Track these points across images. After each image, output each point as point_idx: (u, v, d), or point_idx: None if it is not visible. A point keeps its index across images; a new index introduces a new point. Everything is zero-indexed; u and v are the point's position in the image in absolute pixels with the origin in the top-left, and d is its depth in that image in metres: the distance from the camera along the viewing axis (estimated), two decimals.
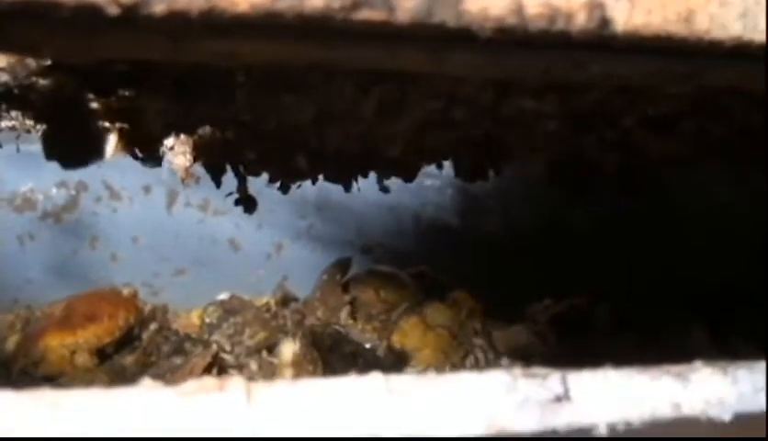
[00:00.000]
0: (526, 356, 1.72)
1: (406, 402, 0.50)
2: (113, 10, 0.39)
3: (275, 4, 0.43)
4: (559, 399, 0.52)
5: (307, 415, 0.48)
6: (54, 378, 1.48)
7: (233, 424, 0.47)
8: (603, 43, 0.47)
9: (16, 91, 0.63)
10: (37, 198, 1.86)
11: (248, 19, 0.42)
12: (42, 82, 0.61)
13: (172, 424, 0.47)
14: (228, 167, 1.08)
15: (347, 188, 1.18)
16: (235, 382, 0.48)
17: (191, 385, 0.47)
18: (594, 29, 0.48)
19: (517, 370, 0.53)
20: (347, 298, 1.77)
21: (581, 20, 0.47)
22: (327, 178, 1.15)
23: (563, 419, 0.52)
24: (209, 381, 0.48)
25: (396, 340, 1.65)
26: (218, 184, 1.14)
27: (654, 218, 2.09)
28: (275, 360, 1.44)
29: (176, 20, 0.41)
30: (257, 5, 0.43)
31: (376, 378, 0.51)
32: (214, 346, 1.52)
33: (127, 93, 0.65)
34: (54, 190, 1.87)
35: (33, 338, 1.56)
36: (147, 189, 1.91)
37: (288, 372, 1.33)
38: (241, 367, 1.48)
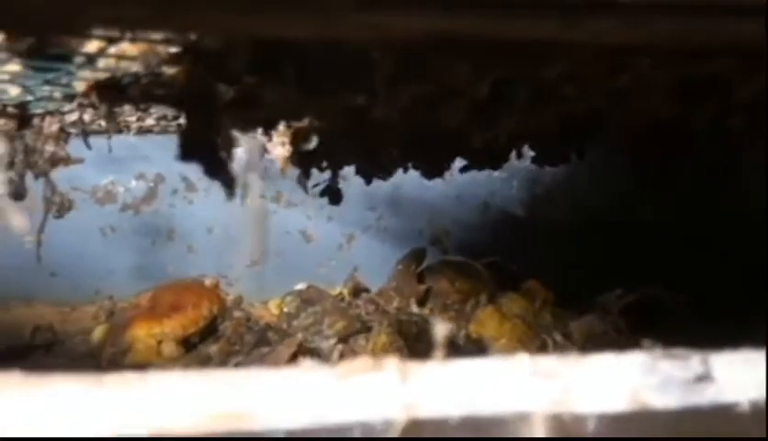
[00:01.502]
0: (602, 346, 1.71)
1: (551, 382, 0.51)
2: None
3: None
4: (700, 378, 0.53)
5: (458, 394, 0.50)
6: (142, 367, 1.51)
7: (389, 402, 0.49)
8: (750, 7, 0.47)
9: (144, 80, 0.65)
10: (117, 191, 1.90)
11: None
12: (169, 71, 0.63)
13: (331, 403, 0.48)
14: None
15: (434, 176, 1.19)
16: (390, 362, 0.49)
17: (347, 366, 0.48)
18: None
19: (657, 352, 0.54)
20: (422, 288, 1.78)
21: None
22: (416, 167, 1.16)
23: (706, 398, 0.52)
24: (365, 362, 0.49)
25: (473, 329, 1.66)
26: (307, 175, 1.15)
27: (725, 205, 2.07)
28: (359, 346, 1.46)
29: None
30: None
31: (522, 359, 0.52)
32: (299, 336, 1.54)
33: (251, 81, 0.66)
34: (134, 183, 1.91)
35: (120, 328, 1.59)
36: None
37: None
38: (324, 356, 1.50)
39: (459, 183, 1.94)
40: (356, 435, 0.49)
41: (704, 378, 0.54)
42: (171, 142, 1.71)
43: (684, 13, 0.50)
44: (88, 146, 1.14)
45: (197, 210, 1.95)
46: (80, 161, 1.02)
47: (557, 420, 0.52)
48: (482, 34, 0.50)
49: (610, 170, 2.03)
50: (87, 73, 0.67)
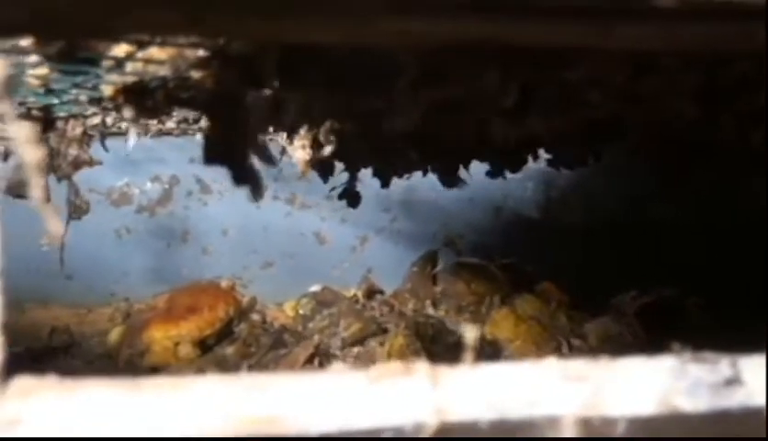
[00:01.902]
0: (618, 348, 1.71)
1: (581, 386, 0.51)
2: None
3: None
4: (729, 382, 0.53)
5: (488, 398, 0.50)
6: (159, 369, 1.51)
7: (420, 406, 0.49)
8: None
9: (171, 85, 0.65)
10: (133, 193, 1.91)
11: None
12: (196, 75, 0.63)
13: (362, 407, 0.48)
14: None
15: (452, 183, 1.19)
16: (421, 366, 0.50)
17: (379, 370, 0.49)
18: None
19: (687, 355, 0.54)
20: (437, 289, 1.78)
21: None
22: (435, 170, 1.16)
23: (735, 401, 0.52)
24: (396, 366, 0.49)
25: (488, 331, 1.66)
26: (325, 179, 1.15)
27: (739, 208, 2.06)
28: (376, 348, 1.47)
29: (366, 1, 0.42)
30: None
31: (551, 362, 0.52)
32: (315, 338, 1.54)
33: (277, 85, 0.66)
34: (149, 185, 1.92)
35: (137, 330, 1.59)
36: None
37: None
38: (340, 358, 1.50)
39: (473, 185, 1.94)
40: (388, 438, 0.49)
41: (733, 381, 0.54)
42: (186, 144, 1.73)
43: (715, 18, 0.50)
44: (105, 148, 1.15)
45: (211, 212, 1.95)
46: (99, 163, 1.03)
47: (586, 423, 0.52)
48: (512, 40, 0.50)
49: (624, 172, 2.02)
50: (115, 77, 0.67)
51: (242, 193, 2.08)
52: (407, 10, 0.47)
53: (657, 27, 0.51)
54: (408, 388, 0.50)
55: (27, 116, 0.83)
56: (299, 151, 0.85)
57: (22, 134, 0.41)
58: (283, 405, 0.48)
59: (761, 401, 0.54)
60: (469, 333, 0.50)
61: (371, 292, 1.91)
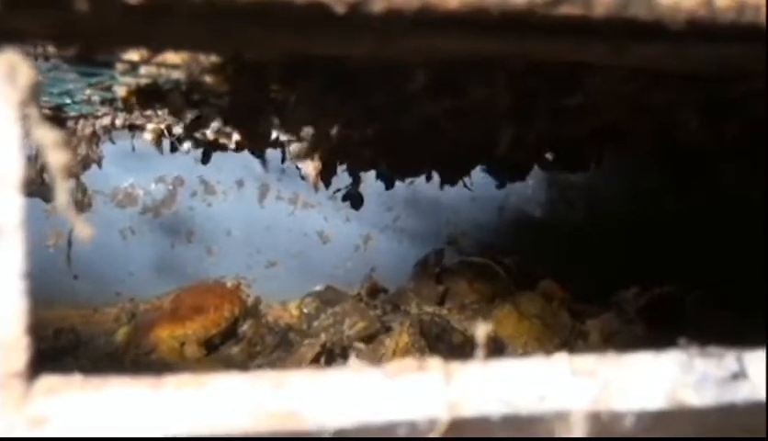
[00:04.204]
0: (620, 345, 1.72)
1: (589, 381, 0.52)
2: (340, 9, 0.42)
3: (483, 0, 0.45)
4: (735, 376, 0.54)
5: (499, 393, 0.51)
6: (165, 368, 1.52)
7: (434, 402, 0.50)
8: None
9: (184, 88, 0.66)
10: (137, 194, 1.92)
11: (457, 16, 0.44)
12: (209, 79, 0.64)
13: (377, 402, 0.49)
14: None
15: (454, 183, 1.20)
16: (434, 362, 0.51)
17: (394, 366, 0.50)
18: None
19: (693, 350, 0.55)
20: (441, 288, 1.79)
21: None
22: (440, 173, 1.17)
23: (741, 395, 0.53)
24: (410, 362, 0.50)
25: (491, 329, 1.66)
26: (327, 184, 1.16)
27: (739, 208, 2.07)
28: (381, 346, 1.48)
29: (392, 17, 0.43)
30: (467, 2, 0.45)
31: (561, 358, 0.53)
32: (322, 336, 1.55)
33: (288, 89, 0.67)
34: (153, 186, 1.93)
35: (143, 330, 1.61)
36: (240, 183, 1.96)
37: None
38: (345, 357, 1.51)
39: (476, 184, 1.95)
40: (402, 433, 0.51)
41: (738, 375, 0.56)
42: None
43: (722, 39, 0.51)
44: (112, 141, 1.15)
45: (215, 213, 1.96)
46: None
47: (596, 418, 0.53)
48: (532, 57, 0.51)
49: (627, 170, 2.03)
50: (129, 79, 0.68)
51: (246, 193, 2.09)
52: (432, 28, 0.48)
53: (667, 47, 0.53)
54: (422, 384, 0.51)
55: None
56: (307, 163, 0.86)
57: (48, 139, 0.42)
58: (300, 401, 0.49)
59: (765, 395, 0.55)
60: (480, 331, 0.51)
61: (375, 291, 1.92)
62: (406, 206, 2.07)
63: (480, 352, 0.53)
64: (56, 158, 0.42)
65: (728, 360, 0.56)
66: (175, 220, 1.95)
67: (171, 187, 1.94)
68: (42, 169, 0.81)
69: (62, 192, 0.43)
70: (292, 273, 2.01)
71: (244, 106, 0.64)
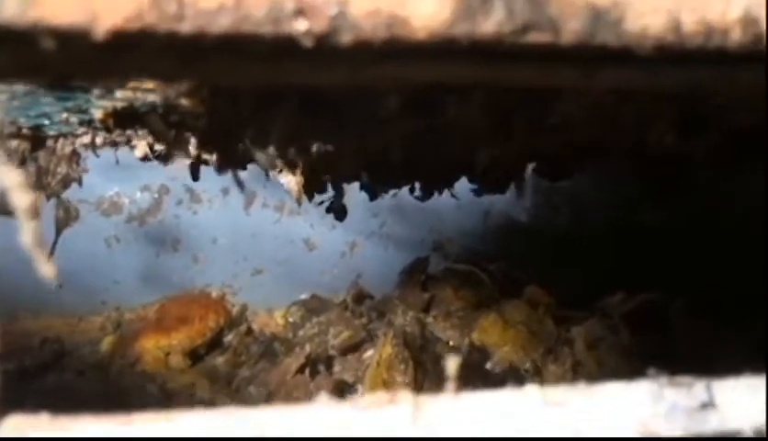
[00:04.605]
0: (604, 352, 1.73)
1: (561, 412, 0.53)
2: (308, 42, 0.42)
3: (450, 30, 0.45)
4: (704, 406, 0.54)
5: (469, 426, 0.51)
6: (151, 378, 1.53)
7: (404, 433, 0.50)
8: (755, 57, 0.48)
9: (160, 110, 0.66)
10: (123, 202, 1.92)
11: (425, 46, 0.44)
12: (185, 102, 0.64)
13: (350, 434, 0.49)
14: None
15: (440, 193, 1.21)
16: (404, 396, 0.51)
17: (364, 400, 0.50)
18: (749, 44, 0.49)
19: (663, 379, 0.55)
20: (426, 296, 1.79)
21: (736, 36, 0.49)
22: (423, 186, 1.18)
23: (710, 425, 0.54)
24: (381, 395, 0.51)
25: (476, 337, 1.67)
26: (311, 197, 1.17)
27: (723, 212, 2.08)
28: (366, 356, 1.48)
29: (360, 49, 0.44)
30: (434, 33, 0.45)
31: (532, 390, 0.53)
32: (306, 347, 1.56)
33: (264, 112, 0.68)
34: (138, 194, 1.93)
35: (129, 340, 1.61)
36: (225, 191, 1.96)
37: (383, 373, 1.37)
38: (330, 367, 1.52)
39: (461, 190, 1.95)
40: None
41: (707, 405, 0.56)
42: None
43: (692, 63, 0.52)
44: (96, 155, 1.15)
45: (201, 221, 1.96)
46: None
47: None
48: (503, 83, 0.51)
49: (611, 176, 2.04)
50: (105, 102, 0.69)
51: (232, 201, 2.09)
52: (401, 57, 0.48)
53: (637, 71, 0.53)
54: (392, 416, 0.52)
55: (17, 135, 0.84)
56: (290, 178, 0.86)
57: (12, 180, 0.42)
58: (271, 436, 0.49)
59: (734, 425, 0.56)
60: (451, 364, 0.52)
61: (361, 297, 1.92)
62: (392, 212, 2.08)
63: (450, 384, 0.53)
64: (21, 199, 0.42)
65: (696, 389, 0.57)
66: (160, 228, 1.95)
67: (156, 196, 1.94)
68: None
69: (29, 232, 0.43)
70: (278, 280, 2.01)
71: (220, 128, 0.64)
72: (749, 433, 0.55)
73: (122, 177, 1.88)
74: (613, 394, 0.55)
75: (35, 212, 0.43)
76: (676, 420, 0.55)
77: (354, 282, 2.00)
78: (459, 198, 1.86)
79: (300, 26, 0.45)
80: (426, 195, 1.23)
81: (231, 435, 0.47)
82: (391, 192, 1.40)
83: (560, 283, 1.91)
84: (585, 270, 2.04)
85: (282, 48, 0.46)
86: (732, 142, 0.90)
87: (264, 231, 2.00)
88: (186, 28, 0.43)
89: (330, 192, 1.27)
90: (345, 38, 0.45)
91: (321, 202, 1.28)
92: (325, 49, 0.46)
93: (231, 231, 1.98)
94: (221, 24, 0.44)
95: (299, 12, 0.45)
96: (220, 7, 0.44)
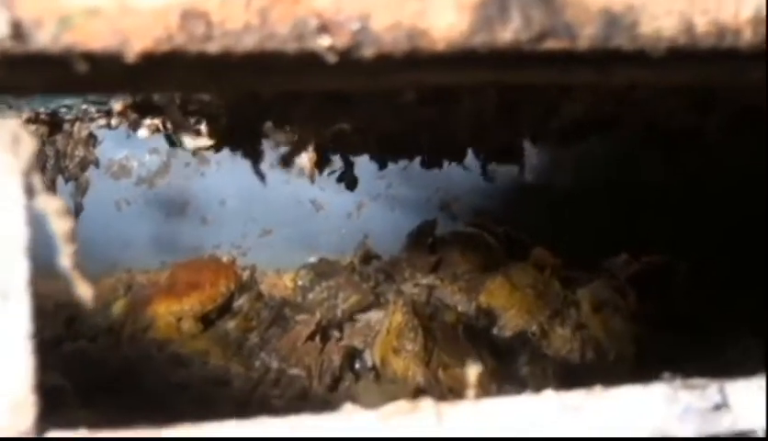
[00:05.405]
0: (609, 316, 1.75)
1: (578, 415, 0.54)
2: (331, 58, 0.43)
3: (469, 40, 0.46)
4: (718, 407, 0.56)
5: (490, 431, 0.53)
6: (163, 343, 1.55)
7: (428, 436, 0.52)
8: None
9: (178, 101, 0.67)
10: (131, 165, 1.93)
11: (445, 57, 0.45)
12: (205, 96, 0.65)
13: None
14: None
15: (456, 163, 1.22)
16: (426, 403, 0.53)
17: (387, 409, 0.52)
18: (760, 44, 0.50)
19: (677, 382, 0.57)
20: (433, 258, 1.81)
21: (747, 36, 0.50)
22: (430, 157, 1.19)
23: (723, 426, 0.56)
24: (404, 404, 0.52)
25: (483, 300, 1.69)
26: (321, 170, 1.18)
27: (727, 172, 2.08)
28: (372, 323, 1.50)
29: (382, 62, 0.45)
30: (454, 43, 0.46)
31: (550, 395, 0.55)
32: (317, 314, 1.58)
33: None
34: (147, 157, 1.94)
35: (140, 305, 1.63)
36: (233, 153, 1.96)
37: (393, 340, 1.39)
38: (340, 332, 1.55)
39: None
40: None
41: (721, 406, 0.58)
42: None
43: (703, 61, 0.53)
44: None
45: (209, 183, 1.97)
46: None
47: None
48: (522, 83, 0.52)
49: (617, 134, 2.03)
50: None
51: (240, 163, 2.10)
52: (424, 66, 0.49)
53: (650, 70, 0.54)
54: (415, 425, 0.53)
55: (35, 120, 0.85)
56: (302, 156, 0.87)
57: (51, 207, 0.43)
58: None
59: (747, 425, 0.57)
60: (472, 371, 0.53)
61: (368, 257, 1.94)
62: (398, 173, 2.08)
63: (471, 391, 0.55)
64: (60, 225, 0.43)
65: (710, 391, 0.58)
66: (169, 190, 1.96)
67: (165, 159, 1.95)
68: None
69: (67, 257, 0.45)
70: (286, 240, 2.02)
71: (241, 118, 0.65)
72: (761, 433, 0.57)
73: (131, 141, 1.88)
74: (628, 397, 0.57)
75: (73, 237, 0.44)
76: (690, 421, 0.57)
77: (361, 242, 2.01)
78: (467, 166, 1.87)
79: (324, 42, 0.46)
80: (434, 165, 1.24)
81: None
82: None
83: (564, 242, 1.92)
84: (591, 229, 2.04)
85: (306, 63, 0.47)
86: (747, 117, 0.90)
87: (272, 193, 2.01)
88: (213, 47, 0.44)
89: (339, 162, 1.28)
90: (368, 52, 0.46)
91: (333, 172, 1.29)
92: (348, 63, 0.47)
93: (239, 192, 1.99)
94: (247, 43, 0.45)
95: (323, 28, 0.46)
96: (246, 26, 0.44)
